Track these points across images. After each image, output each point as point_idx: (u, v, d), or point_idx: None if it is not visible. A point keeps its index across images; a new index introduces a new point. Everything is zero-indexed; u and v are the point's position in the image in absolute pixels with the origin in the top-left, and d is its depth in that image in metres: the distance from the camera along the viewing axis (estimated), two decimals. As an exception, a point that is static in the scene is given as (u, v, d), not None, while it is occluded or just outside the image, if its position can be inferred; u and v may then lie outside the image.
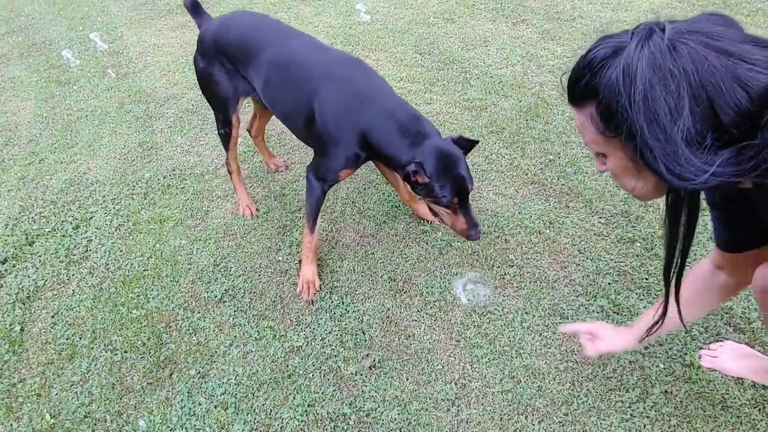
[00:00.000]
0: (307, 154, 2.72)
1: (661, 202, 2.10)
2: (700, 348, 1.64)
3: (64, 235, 2.42)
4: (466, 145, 1.69)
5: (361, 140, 1.71)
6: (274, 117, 2.17)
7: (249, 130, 2.51)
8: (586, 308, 1.81)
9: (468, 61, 3.42)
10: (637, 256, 1.97)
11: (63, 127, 3.27)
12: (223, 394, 1.70)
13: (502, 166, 2.50)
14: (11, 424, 1.71)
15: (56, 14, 5.15)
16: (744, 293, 1.74)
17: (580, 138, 2.57)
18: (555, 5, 4.00)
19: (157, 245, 2.31)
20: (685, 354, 1.63)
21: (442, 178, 1.57)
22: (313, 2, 4.63)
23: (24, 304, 2.12)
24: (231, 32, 1.95)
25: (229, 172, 2.34)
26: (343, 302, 1.94)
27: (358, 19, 4.14)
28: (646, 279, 1.88)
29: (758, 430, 1.44)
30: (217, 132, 2.21)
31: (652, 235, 2.04)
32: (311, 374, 1.72)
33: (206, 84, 2.07)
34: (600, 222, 2.13)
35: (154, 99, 3.44)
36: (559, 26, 3.70)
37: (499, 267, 2.00)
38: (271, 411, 1.64)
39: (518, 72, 3.24)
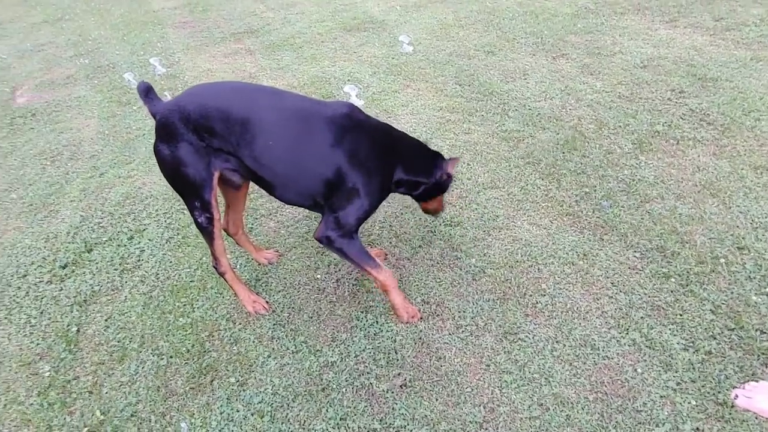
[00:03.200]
0: (293, 227, 2.59)
1: (699, 237, 2.10)
2: (735, 387, 1.63)
3: (119, 245, 2.60)
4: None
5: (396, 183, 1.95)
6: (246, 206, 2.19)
7: (225, 229, 2.23)
8: (617, 341, 1.82)
9: (507, 93, 3.50)
10: (671, 291, 1.97)
11: (122, 144, 3.51)
12: (260, 402, 1.79)
13: (537, 197, 2.55)
14: (65, 418, 1.83)
15: (120, 39, 5.54)
16: (782, 335, 1.73)
17: (617, 172, 2.61)
18: (596, 40, 4.06)
19: (203, 258, 2.45)
20: (719, 392, 1.62)
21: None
22: (358, 33, 4.85)
23: (81, 306, 2.28)
24: (208, 104, 1.75)
25: (221, 274, 2.05)
26: (377, 322, 2.01)
27: (401, 50, 4.30)
28: (681, 315, 1.88)
29: (793, 474, 1.41)
30: (196, 225, 1.93)
31: (687, 272, 2.03)
32: (344, 389, 1.79)
33: (175, 170, 1.83)
34: (635, 256, 2.14)
35: (207, 121, 3.65)
36: (599, 61, 3.75)
37: (531, 295, 2.03)
38: (304, 422, 1.71)
39: (556, 105, 3.29)
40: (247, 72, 4.33)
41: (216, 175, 1.85)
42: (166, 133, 1.80)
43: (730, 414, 1.56)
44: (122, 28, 5.90)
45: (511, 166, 2.79)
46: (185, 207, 2.79)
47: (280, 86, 3.99)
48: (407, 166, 1.93)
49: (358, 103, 3.55)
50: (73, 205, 2.95)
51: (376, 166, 1.82)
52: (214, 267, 2.04)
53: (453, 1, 5.36)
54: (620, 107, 3.17)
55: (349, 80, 3.86)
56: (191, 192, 1.86)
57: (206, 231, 1.93)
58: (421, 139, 2.14)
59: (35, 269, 2.51)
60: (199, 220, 1.90)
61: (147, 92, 1.91)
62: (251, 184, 2.04)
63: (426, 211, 2.21)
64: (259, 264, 2.38)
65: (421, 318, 2.01)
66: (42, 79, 4.79)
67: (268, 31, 5.23)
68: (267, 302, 2.16)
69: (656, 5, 4.55)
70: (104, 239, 2.65)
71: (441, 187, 2.05)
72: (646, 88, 3.33)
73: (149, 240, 2.61)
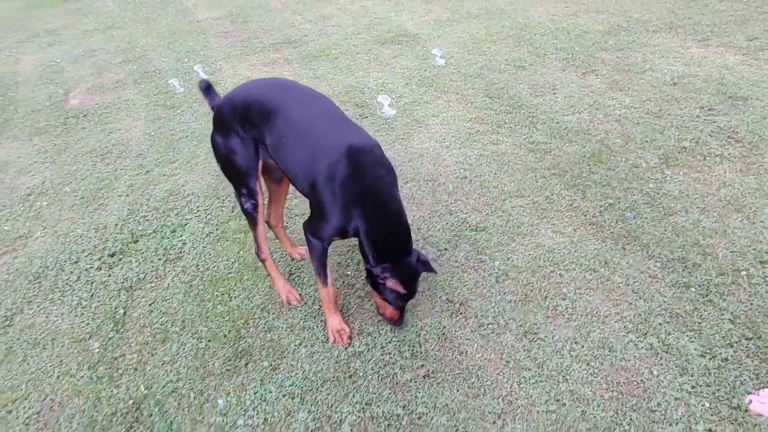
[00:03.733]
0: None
1: (721, 250, 2.15)
2: (749, 393, 1.67)
3: (163, 237, 2.78)
4: (424, 269, 1.94)
5: (353, 226, 1.84)
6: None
7: (267, 221, 2.37)
8: (635, 344, 1.88)
9: (536, 107, 3.59)
10: (691, 300, 2.02)
11: (167, 145, 3.73)
12: (291, 385, 1.91)
13: (561, 206, 2.62)
14: (112, 390, 1.99)
15: (166, 47, 5.84)
16: (800, 346, 1.76)
17: (642, 185, 2.67)
18: (626, 58, 4.12)
19: (240, 252, 2.61)
20: (733, 397, 1.67)
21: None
22: (392, 45, 5.01)
23: (127, 292, 2.45)
24: (251, 93, 1.97)
25: (262, 260, 2.23)
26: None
27: (433, 63, 4.44)
28: (699, 323, 1.93)
29: (804, 477, 1.45)
30: (242, 210, 2.12)
31: (708, 282, 2.08)
32: (370, 377, 1.90)
33: (226, 158, 2.04)
34: (656, 266, 2.20)
35: (246, 125, 3.85)
36: (629, 78, 3.81)
37: (552, 298, 2.11)
38: (332, 405, 1.83)
39: (584, 119, 3.37)
40: (285, 80, 4.53)
41: (260, 164, 2.03)
42: (220, 124, 2.03)
43: (743, 417, 1.61)
44: (168, 36, 6.22)
45: (537, 176, 2.87)
46: (224, 205, 2.98)
47: (316, 94, 4.17)
48: (368, 230, 1.84)
49: (391, 113, 3.69)
50: (121, 199, 3.16)
51: (343, 202, 1.80)
52: (256, 253, 2.22)
53: (485, 16, 5.49)
54: (648, 123, 3.22)
55: (382, 90, 4.01)
56: (239, 179, 2.05)
57: (251, 216, 2.11)
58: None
59: (86, 256, 2.71)
60: (246, 206, 2.09)
61: (207, 89, 2.16)
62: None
63: (377, 308, 2.10)
64: (293, 259, 2.52)
65: (349, 343, 2.03)
66: (93, 83, 5.09)
67: (305, 42, 5.45)
68: (300, 295, 2.29)
69: (689, 24, 4.58)
70: (149, 231, 2.84)
71: (376, 283, 1.93)
72: (675, 105, 3.37)
73: (191, 234, 2.78)
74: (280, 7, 6.92)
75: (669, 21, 4.71)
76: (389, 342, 2.02)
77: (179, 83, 4.69)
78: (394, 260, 1.86)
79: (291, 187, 2.29)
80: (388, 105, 3.69)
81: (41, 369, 2.11)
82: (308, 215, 1.98)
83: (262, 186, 2.07)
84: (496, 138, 3.28)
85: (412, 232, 1.92)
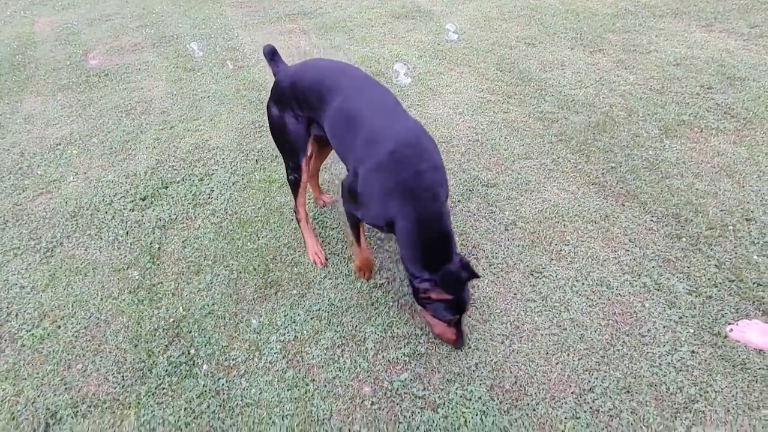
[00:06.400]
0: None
1: (711, 209, 2.35)
2: (729, 323, 1.89)
3: (191, 184, 2.95)
4: (469, 276, 1.72)
5: (387, 221, 1.76)
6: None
7: (306, 165, 2.38)
8: (630, 283, 2.09)
9: (544, 81, 3.77)
10: (682, 249, 2.23)
11: (189, 104, 3.88)
12: (318, 310, 2.11)
13: (567, 168, 2.82)
14: (153, 311, 2.18)
15: (182, 14, 5.95)
16: (777, 288, 1.98)
17: (642, 152, 2.86)
18: (632, 39, 4.29)
19: (266, 199, 2.79)
20: (714, 326, 1.88)
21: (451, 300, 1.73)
22: (406, 20, 5.16)
23: (161, 230, 2.63)
24: (308, 76, 1.96)
25: (298, 220, 2.34)
26: (419, 257, 2.31)
27: (446, 38, 4.59)
28: (688, 267, 2.14)
29: (772, 389, 1.67)
30: (287, 178, 2.24)
31: (698, 235, 2.29)
32: (390, 304, 2.10)
33: (280, 131, 2.09)
34: (651, 220, 2.40)
35: (265, 88, 4.01)
36: (634, 57, 3.98)
37: (556, 244, 2.31)
38: (356, 326, 2.03)
39: (590, 93, 3.55)
40: (302, 49, 4.67)
41: (311, 141, 2.07)
42: (277, 97, 2.06)
43: (723, 342, 1.82)
44: (183, 4, 6.32)
45: (545, 141, 3.06)
46: (248, 158, 3.15)
47: (333, 62, 4.32)
48: (404, 230, 1.72)
49: (406, 81, 3.86)
50: (148, 151, 3.33)
51: (379, 192, 1.73)
52: (294, 211, 2.34)
53: (497, -4, 5.62)
54: (650, 98, 3.40)
55: (397, 60, 4.17)
56: (288, 153, 2.14)
57: (293, 186, 2.23)
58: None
59: (119, 199, 2.88)
60: (290, 177, 2.20)
61: (272, 55, 2.17)
62: None
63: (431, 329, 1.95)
64: (316, 205, 2.71)
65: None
66: (111, 45, 5.21)
67: (320, 14, 5.57)
68: (326, 259, 2.36)
69: (694, 11, 4.75)
70: (178, 179, 3.01)
71: (418, 296, 1.78)
72: (677, 83, 3.56)
73: (218, 182, 2.96)
74: (294, -20, 7.01)
75: (675, 7, 4.87)
76: (407, 277, 2.21)
77: (198, 48, 4.82)
78: (434, 267, 1.70)
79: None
80: (404, 74, 3.85)
81: (85, 292, 2.30)
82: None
83: (309, 164, 2.14)
84: (507, 107, 3.46)
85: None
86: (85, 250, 2.55)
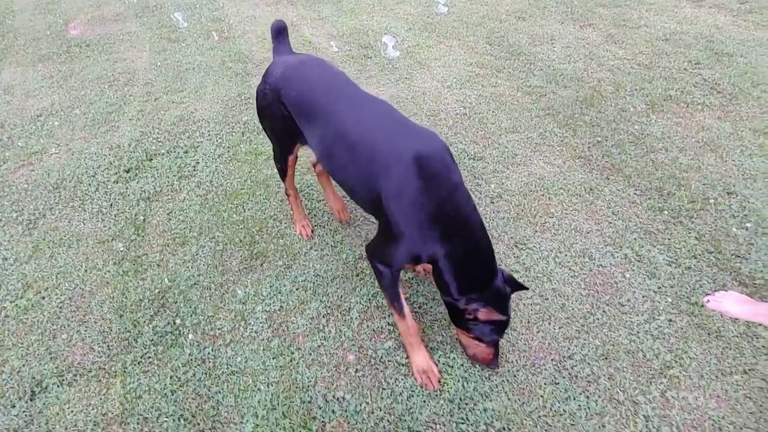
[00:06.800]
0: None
1: (694, 182, 2.37)
2: (707, 294, 1.93)
3: (176, 157, 2.92)
4: (513, 290, 1.63)
5: (428, 252, 1.56)
6: None
7: (314, 165, 2.37)
8: (612, 254, 2.12)
9: (534, 55, 3.74)
10: (663, 221, 2.26)
11: (174, 75, 3.81)
12: (303, 281, 2.12)
13: (553, 142, 2.82)
14: (138, 282, 2.18)
15: (166, -17, 5.78)
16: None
17: (629, 126, 2.87)
18: (623, 14, 4.26)
19: (252, 171, 2.77)
20: (692, 296, 1.93)
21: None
22: (395, -8, 5.06)
23: (145, 202, 2.61)
24: (294, 88, 1.77)
25: (287, 195, 2.29)
26: (405, 229, 2.32)
27: (436, 10, 4.53)
28: (669, 239, 2.17)
29: (744, 356, 1.72)
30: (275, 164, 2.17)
31: (680, 208, 2.32)
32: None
33: (265, 119, 1.98)
34: (635, 193, 2.43)
35: (251, 60, 3.94)
36: (624, 32, 3.96)
37: (541, 216, 2.33)
38: (341, 296, 2.04)
39: (579, 68, 3.53)
40: (289, 21, 4.58)
41: (296, 149, 1.97)
42: (265, 93, 1.87)
43: (699, 311, 1.87)
44: (167, -27, 6.14)
45: (532, 115, 3.05)
46: (234, 131, 3.11)
47: (320, 35, 4.25)
48: (450, 253, 1.53)
49: (395, 54, 3.81)
50: (132, 122, 3.27)
51: (415, 221, 1.52)
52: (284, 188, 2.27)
53: (488, -32, 5.53)
54: (638, 73, 3.40)
55: (386, 33, 4.11)
56: (274, 141, 2.04)
57: (280, 173, 2.17)
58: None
59: (102, 171, 2.85)
60: (276, 165, 2.15)
61: (279, 33, 1.96)
62: None
63: (464, 350, 1.76)
64: (334, 218, 2.41)
65: (440, 386, 1.71)
66: (93, 15, 5.07)
67: (308, -15, 5.45)
68: (312, 231, 2.34)
69: (685, -15, 4.71)
70: (162, 151, 2.97)
71: (461, 317, 1.62)
72: (665, 58, 3.55)
73: (203, 154, 2.93)
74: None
75: (666, -18, 4.83)
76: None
77: (183, 18, 4.71)
78: (482, 286, 1.56)
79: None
80: (392, 46, 3.80)
81: (69, 264, 2.29)
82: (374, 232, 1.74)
83: (296, 158, 2.05)
84: (495, 81, 3.44)
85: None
86: (69, 222, 2.52)
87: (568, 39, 3.93)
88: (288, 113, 1.82)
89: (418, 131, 1.59)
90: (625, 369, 1.72)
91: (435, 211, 1.49)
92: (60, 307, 2.10)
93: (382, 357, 1.82)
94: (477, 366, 1.76)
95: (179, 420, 1.69)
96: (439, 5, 4.54)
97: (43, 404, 1.76)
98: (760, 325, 1.79)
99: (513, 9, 4.49)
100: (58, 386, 1.81)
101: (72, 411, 1.74)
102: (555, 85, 3.34)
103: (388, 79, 3.53)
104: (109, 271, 2.24)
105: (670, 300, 1.91)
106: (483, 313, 1.54)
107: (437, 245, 1.52)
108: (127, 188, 2.71)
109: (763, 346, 1.76)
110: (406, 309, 1.70)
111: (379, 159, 1.53)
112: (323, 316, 1.98)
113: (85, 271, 2.25)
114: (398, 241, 1.55)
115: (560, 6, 4.47)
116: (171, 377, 1.81)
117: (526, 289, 1.64)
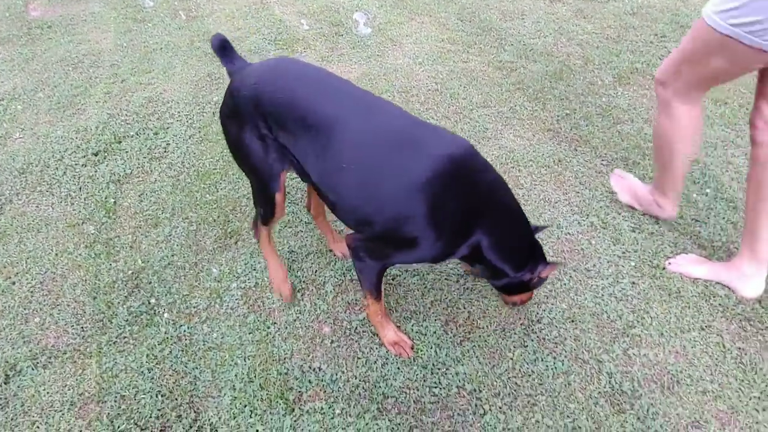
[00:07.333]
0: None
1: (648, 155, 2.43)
2: (668, 257, 2.01)
3: (146, 138, 2.88)
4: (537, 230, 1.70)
5: (466, 247, 1.51)
6: None
7: (307, 207, 2.10)
8: (579, 222, 2.19)
9: (504, 30, 3.76)
10: (628, 190, 2.33)
11: (141, 56, 3.72)
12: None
13: (523, 116, 2.86)
14: (111, 264, 2.17)
15: (130, -38, 5.60)
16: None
17: (596, 99, 2.92)
18: (591, -12, 4.29)
19: (224, 152, 2.75)
20: (654, 260, 2.01)
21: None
22: (366, -32, 5.00)
23: (116, 185, 2.58)
24: (280, 91, 1.47)
25: (256, 239, 1.91)
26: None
27: (406, -14, 4.49)
28: (633, 207, 2.24)
29: (702, 314, 1.81)
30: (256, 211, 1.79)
31: (644, 176, 2.39)
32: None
33: (239, 153, 1.63)
34: (602, 163, 2.49)
35: (221, 39, 3.87)
36: (593, 7, 4.00)
37: (511, 188, 2.37)
38: (316, 271, 2.07)
39: (549, 43, 3.57)
40: (257, -2, 4.50)
41: (283, 176, 1.60)
42: (232, 110, 1.57)
43: (661, 274, 1.95)
44: (131, -49, 5.94)
45: (503, 90, 3.09)
46: (204, 111, 3.07)
47: (291, 13, 4.19)
48: (493, 243, 1.50)
49: (366, 31, 3.79)
50: (99, 105, 3.20)
51: (453, 227, 1.46)
52: (252, 229, 1.97)
53: (459, -56, 5.50)
54: (606, 47, 3.45)
55: (357, 10, 4.08)
56: (255, 180, 1.67)
57: (262, 219, 1.75)
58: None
59: (70, 154, 2.79)
60: (258, 210, 1.75)
61: (223, 49, 1.66)
62: None
63: (506, 302, 1.85)
64: (335, 255, 2.14)
65: (413, 353, 1.75)
66: (54, -5, 4.90)
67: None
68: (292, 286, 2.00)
69: (652, -40, 4.76)
70: (131, 133, 2.92)
71: (526, 286, 1.65)
72: (632, 32, 3.61)
73: (174, 135, 2.89)
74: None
75: (634, -44, 4.87)
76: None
77: (148, -3, 4.59)
78: (529, 252, 1.60)
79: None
80: (364, 23, 3.78)
81: (39, 248, 2.26)
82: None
83: (284, 195, 1.66)
84: (466, 57, 3.46)
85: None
86: (37, 206, 2.48)
87: (539, 14, 3.95)
88: (268, 129, 1.50)
89: (441, 133, 1.51)
90: (590, 330, 1.79)
91: (477, 208, 1.47)
92: (31, 292, 2.08)
93: (356, 328, 1.85)
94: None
95: (157, 396, 1.71)
96: (410, -19, 4.50)
97: (18, 387, 1.75)
98: (718, 283, 1.87)
99: (484, -15, 4.49)
100: (32, 369, 1.80)
101: (48, 392, 1.74)
102: (525, 60, 3.37)
103: (359, 56, 3.51)
104: (80, 255, 2.22)
105: (633, 264, 1.99)
106: (546, 271, 1.58)
107: (481, 237, 1.49)
108: (96, 171, 2.67)
109: (719, 304, 1.85)
110: (382, 294, 1.70)
111: (402, 171, 1.37)
112: (298, 291, 2.00)
113: (56, 255, 2.23)
114: (421, 247, 1.45)
115: (530, -19, 4.48)
116: (147, 355, 1.82)
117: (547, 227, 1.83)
